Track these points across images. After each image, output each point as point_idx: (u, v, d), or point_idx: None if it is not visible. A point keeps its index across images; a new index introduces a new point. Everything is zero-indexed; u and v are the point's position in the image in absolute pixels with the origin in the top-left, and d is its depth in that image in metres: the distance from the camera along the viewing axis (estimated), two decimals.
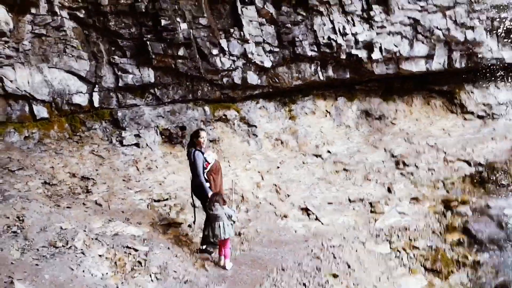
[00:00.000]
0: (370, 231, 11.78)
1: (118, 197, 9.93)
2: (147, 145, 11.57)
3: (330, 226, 11.63)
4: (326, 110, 14.22)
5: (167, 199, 10.38)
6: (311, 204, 11.99)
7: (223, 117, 12.86)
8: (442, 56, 13.96)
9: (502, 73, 14.64)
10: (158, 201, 10.25)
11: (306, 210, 11.91)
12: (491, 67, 14.29)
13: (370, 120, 14.47)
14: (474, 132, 14.06)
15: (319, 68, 13.62)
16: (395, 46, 13.55)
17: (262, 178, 12.18)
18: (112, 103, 11.78)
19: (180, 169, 11.37)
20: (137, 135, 11.61)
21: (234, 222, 8.90)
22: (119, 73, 11.70)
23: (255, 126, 13.14)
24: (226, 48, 12.47)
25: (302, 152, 13.35)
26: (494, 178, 12.56)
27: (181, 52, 11.93)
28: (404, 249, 11.43)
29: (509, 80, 14.69)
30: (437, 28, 13.56)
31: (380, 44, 13.45)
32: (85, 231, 8.22)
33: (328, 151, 13.51)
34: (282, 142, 13.38)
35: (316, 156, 13.34)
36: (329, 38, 13.17)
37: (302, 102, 14.10)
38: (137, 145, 11.54)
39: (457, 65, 14.06)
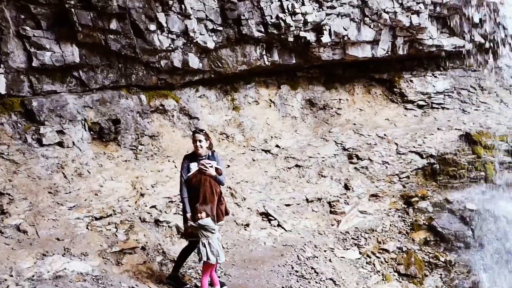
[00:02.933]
0: (336, 235, 10.03)
1: (47, 217, 6.92)
2: (73, 144, 8.41)
3: (294, 233, 9.71)
4: (270, 100, 12.07)
5: (110, 215, 7.57)
6: (271, 208, 9.86)
7: (160, 107, 10.10)
8: (386, 42, 12.49)
9: (439, 61, 13.71)
10: (100, 218, 7.40)
11: (266, 215, 9.77)
12: (430, 54, 13.24)
13: (315, 110, 12.59)
14: (417, 122, 12.83)
15: (264, 51, 11.41)
16: (344, 29, 11.76)
17: None
18: (23, 89, 8.37)
19: (119, 174, 8.54)
20: (60, 131, 8.33)
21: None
22: (32, 49, 8.34)
23: (197, 118, 10.57)
24: (164, 24, 9.72)
25: (250, 147, 11.10)
26: (445, 170, 11.40)
27: (113, 25, 8.92)
28: (373, 253, 9.87)
29: (446, 69, 13.75)
30: (384, 11, 12.02)
31: (330, 26, 11.57)
32: (12, 275, 5.33)
33: (277, 146, 11.41)
34: (227, 137, 10.99)
35: (266, 151, 11.17)
36: (277, 17, 10.99)
37: (245, 90, 11.77)
38: (60, 144, 8.29)
39: (400, 51, 12.70)
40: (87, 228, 7.10)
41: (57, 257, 5.98)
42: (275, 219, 9.70)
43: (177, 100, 10.39)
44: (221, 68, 10.91)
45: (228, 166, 10.24)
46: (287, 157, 11.19)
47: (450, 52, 13.31)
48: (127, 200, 8.10)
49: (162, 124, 9.99)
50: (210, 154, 6.97)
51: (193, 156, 6.92)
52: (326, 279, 8.23)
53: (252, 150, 11.03)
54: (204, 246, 6.33)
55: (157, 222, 8.01)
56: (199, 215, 6.34)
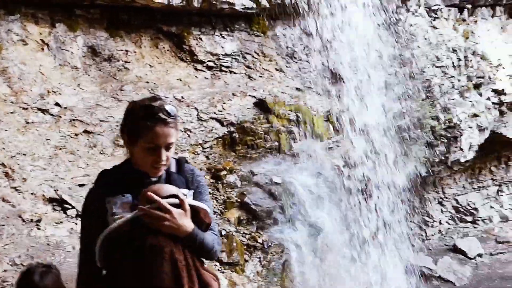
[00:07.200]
0: None
1: None
2: None
3: None
4: (42, 40, 8.44)
5: None
6: (65, 192, 6.74)
7: None
8: None
9: (227, 21, 12.18)
10: None
11: (59, 202, 6.62)
12: (221, 12, 11.59)
13: (99, 61, 9.45)
14: (209, 85, 11.08)
15: None
16: None
17: None
18: None
19: None
20: None
21: None
22: None
23: None
24: None
25: (22, 104, 7.47)
26: (244, 139, 10.15)
27: None
28: None
29: (233, 30, 12.33)
30: None
31: None
32: None
33: (58, 104, 8.03)
34: None
35: (44, 111, 7.72)
36: None
37: (7, 23, 7.87)
38: None
39: (195, 3, 10.69)
40: None
41: None
42: (73, 207, 6.67)
43: None
44: None
45: None
46: (73, 120, 7.99)
47: (239, 12, 11.93)
48: None
49: None
50: (173, 170, 2.94)
51: (126, 178, 2.88)
52: None
53: (24, 108, 7.45)
54: None
55: None
56: None
